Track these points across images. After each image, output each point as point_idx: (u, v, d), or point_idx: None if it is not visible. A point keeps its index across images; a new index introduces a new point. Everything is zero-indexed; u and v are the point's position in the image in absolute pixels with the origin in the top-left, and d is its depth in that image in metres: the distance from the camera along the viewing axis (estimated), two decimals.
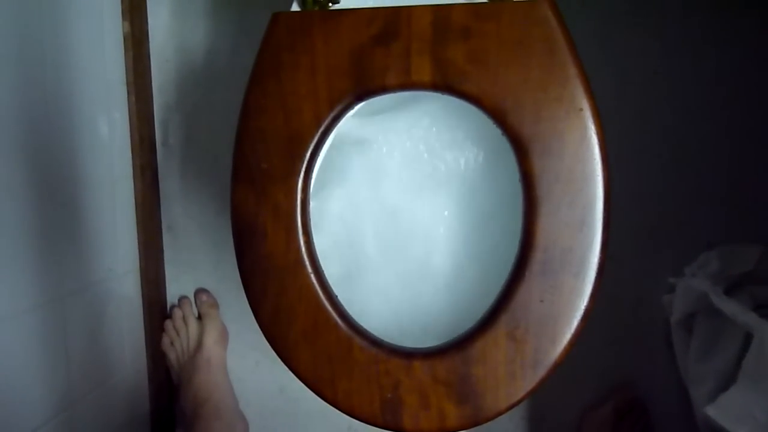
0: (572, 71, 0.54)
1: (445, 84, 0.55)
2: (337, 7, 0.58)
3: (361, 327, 0.57)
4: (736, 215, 0.89)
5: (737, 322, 0.69)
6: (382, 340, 0.58)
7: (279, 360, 0.58)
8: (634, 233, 0.89)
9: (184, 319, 0.96)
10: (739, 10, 0.86)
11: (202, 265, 0.99)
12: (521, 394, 0.54)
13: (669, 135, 0.89)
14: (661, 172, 0.89)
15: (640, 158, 0.89)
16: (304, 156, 0.57)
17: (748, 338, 0.71)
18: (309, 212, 0.58)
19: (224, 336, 0.98)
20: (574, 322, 0.54)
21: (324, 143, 0.58)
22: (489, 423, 0.55)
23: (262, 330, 0.58)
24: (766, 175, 0.88)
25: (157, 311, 0.96)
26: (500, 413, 0.55)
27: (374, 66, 0.55)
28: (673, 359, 0.86)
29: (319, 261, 0.58)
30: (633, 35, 0.88)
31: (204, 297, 0.98)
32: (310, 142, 0.57)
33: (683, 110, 0.88)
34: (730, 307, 0.70)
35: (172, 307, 0.99)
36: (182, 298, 0.99)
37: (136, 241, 0.92)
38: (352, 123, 0.62)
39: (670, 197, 0.89)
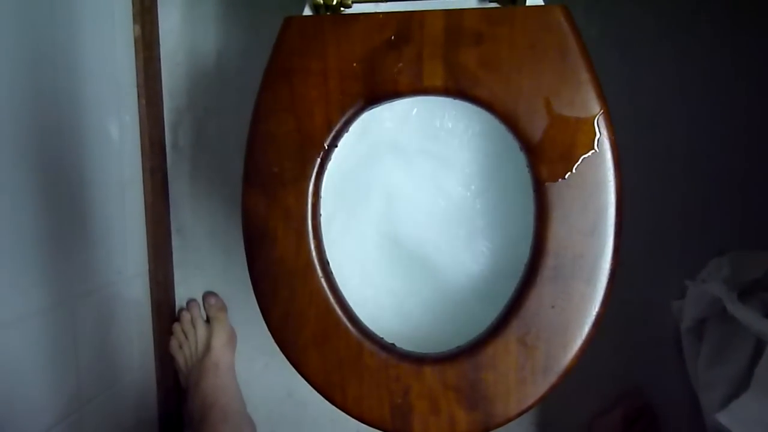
0: (585, 76, 0.54)
1: (457, 89, 0.55)
2: (349, 11, 0.58)
3: (372, 332, 0.57)
4: (747, 222, 0.88)
5: (751, 329, 0.69)
6: (393, 345, 0.58)
7: (287, 364, 0.57)
8: (645, 239, 0.89)
9: (193, 322, 0.96)
10: (753, 15, 0.86)
11: (210, 267, 0.99)
12: (532, 400, 0.54)
13: (681, 140, 0.88)
14: (673, 178, 0.89)
15: (652, 164, 0.89)
16: (315, 160, 0.57)
17: (758, 345, 0.71)
18: (319, 216, 0.58)
19: (232, 339, 0.97)
20: (586, 329, 0.53)
21: (335, 148, 0.58)
22: (499, 429, 0.55)
23: (271, 334, 0.58)
24: None
25: (165, 314, 0.96)
26: (510, 419, 0.55)
27: (386, 71, 0.55)
28: (683, 365, 0.85)
29: (329, 265, 0.58)
30: (645, 40, 0.88)
31: (212, 300, 0.98)
32: (321, 147, 0.57)
33: (696, 115, 0.88)
34: (744, 313, 0.70)
35: (181, 310, 0.99)
36: (191, 301, 0.99)
37: (145, 243, 0.92)
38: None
39: (682, 203, 0.89)
